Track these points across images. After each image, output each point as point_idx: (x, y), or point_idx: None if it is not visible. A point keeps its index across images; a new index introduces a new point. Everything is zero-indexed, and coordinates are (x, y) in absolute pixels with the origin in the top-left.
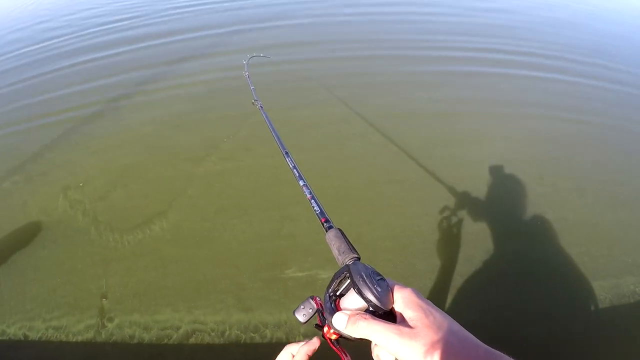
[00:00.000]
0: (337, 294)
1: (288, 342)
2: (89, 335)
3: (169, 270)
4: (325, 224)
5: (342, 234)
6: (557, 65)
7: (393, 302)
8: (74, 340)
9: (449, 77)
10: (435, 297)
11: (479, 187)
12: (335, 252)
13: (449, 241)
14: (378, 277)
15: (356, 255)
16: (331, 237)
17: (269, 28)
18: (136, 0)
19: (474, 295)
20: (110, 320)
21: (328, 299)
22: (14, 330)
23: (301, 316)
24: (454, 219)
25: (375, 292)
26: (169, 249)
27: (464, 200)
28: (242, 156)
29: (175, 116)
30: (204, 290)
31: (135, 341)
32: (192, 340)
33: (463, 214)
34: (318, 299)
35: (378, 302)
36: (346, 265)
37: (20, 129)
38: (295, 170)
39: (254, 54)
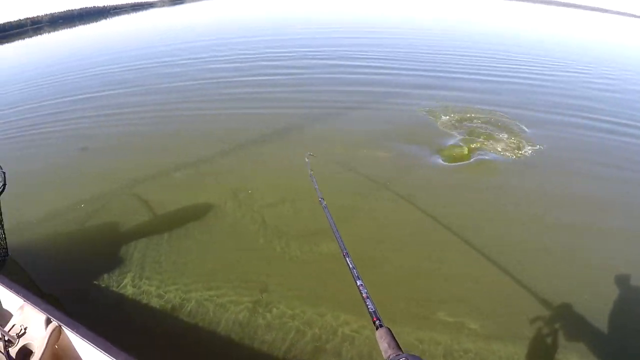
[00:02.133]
0: None
1: None
2: (243, 316)
3: (329, 284)
4: (377, 322)
5: (391, 332)
6: None
7: None
8: (226, 317)
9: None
10: None
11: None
12: (384, 345)
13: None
14: None
15: (402, 353)
16: (382, 333)
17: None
18: None
19: None
20: (269, 310)
21: None
22: (171, 297)
23: None
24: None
25: None
26: (331, 265)
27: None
28: (404, 200)
29: (343, 154)
30: (360, 306)
31: (293, 333)
32: (346, 345)
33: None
34: None
35: None
36: (408, 354)
37: (200, 132)
38: (354, 270)
39: (309, 153)
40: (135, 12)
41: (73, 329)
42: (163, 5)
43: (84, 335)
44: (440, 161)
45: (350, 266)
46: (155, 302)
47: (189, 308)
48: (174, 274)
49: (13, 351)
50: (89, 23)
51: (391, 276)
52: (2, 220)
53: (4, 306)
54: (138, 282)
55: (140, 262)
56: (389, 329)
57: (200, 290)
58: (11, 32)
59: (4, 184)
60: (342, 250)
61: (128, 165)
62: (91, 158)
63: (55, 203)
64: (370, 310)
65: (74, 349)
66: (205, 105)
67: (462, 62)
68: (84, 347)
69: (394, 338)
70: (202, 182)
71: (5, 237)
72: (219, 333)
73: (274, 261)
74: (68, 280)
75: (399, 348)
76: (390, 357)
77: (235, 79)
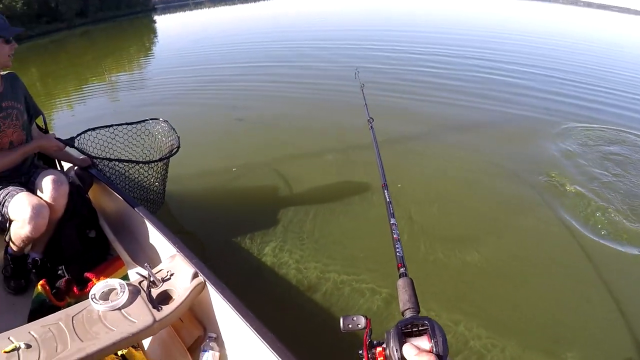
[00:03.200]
0: (405, 331)
1: None
2: (378, 306)
3: (468, 294)
4: (401, 269)
5: (413, 285)
6: None
7: None
8: (361, 303)
9: None
10: None
11: None
12: (405, 297)
13: None
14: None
15: (418, 310)
16: (406, 284)
17: None
18: None
19: None
20: None
21: (399, 330)
22: (309, 273)
23: (346, 325)
24: None
25: (446, 352)
26: (473, 276)
27: None
28: (556, 223)
29: (505, 162)
30: (497, 324)
31: None
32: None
33: None
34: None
35: None
36: (428, 317)
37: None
38: (389, 206)
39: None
40: None
41: (218, 289)
42: None
43: (227, 297)
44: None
45: (387, 200)
46: (292, 275)
47: (325, 287)
48: (314, 252)
49: (154, 292)
50: (248, 3)
51: (531, 303)
52: (167, 176)
53: (156, 250)
54: (279, 252)
55: (283, 235)
56: (412, 280)
57: (338, 272)
58: (174, 4)
59: (178, 147)
60: (382, 181)
61: (280, 141)
62: (246, 129)
63: (209, 163)
64: (398, 254)
65: (212, 306)
66: (368, 92)
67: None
68: (224, 307)
69: (415, 293)
70: (352, 168)
71: (164, 188)
72: None
73: (415, 260)
74: (212, 235)
75: (418, 306)
76: (407, 311)
77: (400, 66)
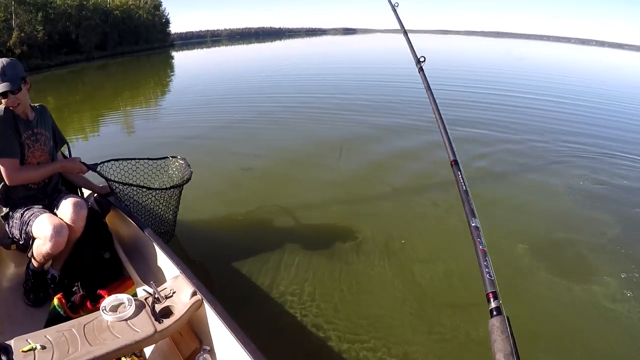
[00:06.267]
0: None
1: None
2: None
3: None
4: (492, 301)
5: (510, 327)
6: None
7: None
8: None
9: None
10: None
11: None
12: (507, 348)
13: None
14: None
15: None
16: (501, 326)
17: None
18: None
19: None
20: None
21: None
22: (311, 343)
23: None
24: None
25: None
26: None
27: None
28: None
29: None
30: None
31: None
32: None
33: None
34: None
35: None
36: None
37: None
38: (463, 184)
39: None
40: (309, 37)
41: (212, 306)
42: (336, 34)
43: (220, 314)
44: None
45: (462, 186)
46: (291, 341)
47: (325, 352)
48: (312, 317)
49: (158, 307)
50: (264, 42)
51: None
52: (178, 207)
53: (162, 271)
54: (277, 319)
55: (281, 293)
56: (509, 320)
57: (341, 340)
58: (192, 40)
59: (189, 178)
60: (450, 157)
61: (288, 192)
62: (253, 179)
63: (215, 208)
64: (487, 277)
65: (207, 322)
66: (373, 146)
67: None
68: (217, 323)
69: (514, 342)
70: (356, 221)
71: (175, 220)
72: None
73: (419, 332)
74: (214, 272)
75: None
76: None
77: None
